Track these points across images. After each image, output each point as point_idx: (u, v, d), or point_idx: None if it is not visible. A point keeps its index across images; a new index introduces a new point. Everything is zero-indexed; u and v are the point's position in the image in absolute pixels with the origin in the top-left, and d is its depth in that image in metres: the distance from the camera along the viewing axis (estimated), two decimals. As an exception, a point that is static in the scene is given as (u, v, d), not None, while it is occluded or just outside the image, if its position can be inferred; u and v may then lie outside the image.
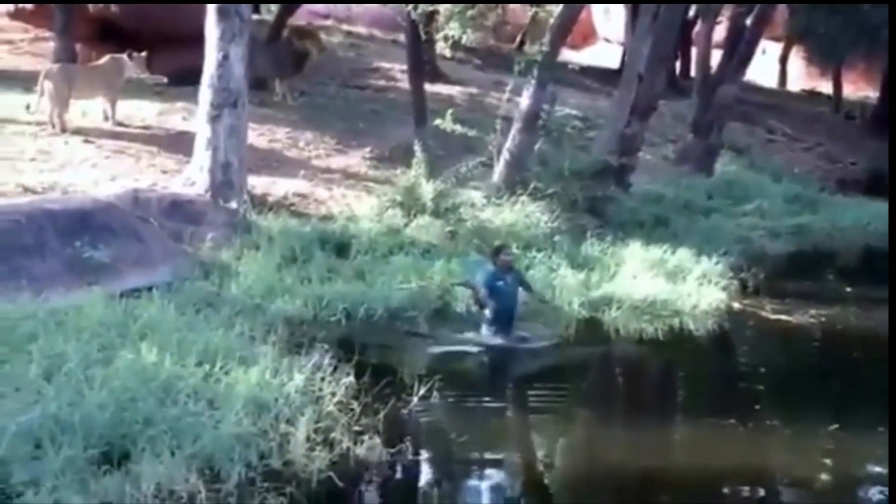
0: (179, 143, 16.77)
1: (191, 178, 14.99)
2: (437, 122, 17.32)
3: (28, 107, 17.19)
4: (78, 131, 17.15)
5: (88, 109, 18.10)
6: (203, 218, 14.01)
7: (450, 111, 17.56)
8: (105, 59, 18.24)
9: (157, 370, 8.34)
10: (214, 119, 14.86)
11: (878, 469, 8.71)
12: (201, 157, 14.94)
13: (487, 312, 11.61)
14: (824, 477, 8.55)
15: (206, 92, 15.00)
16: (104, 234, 12.19)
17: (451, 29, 16.93)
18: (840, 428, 9.34)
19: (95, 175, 15.47)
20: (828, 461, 8.83)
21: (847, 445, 9.08)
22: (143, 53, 18.27)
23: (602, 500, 8.21)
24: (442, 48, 17.76)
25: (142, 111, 18.81)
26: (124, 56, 18.08)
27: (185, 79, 18.30)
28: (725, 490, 8.34)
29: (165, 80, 20.02)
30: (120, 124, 17.86)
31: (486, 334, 11.55)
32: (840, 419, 9.52)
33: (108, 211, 12.89)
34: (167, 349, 8.72)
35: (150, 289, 11.11)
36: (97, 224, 12.38)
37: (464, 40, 17.19)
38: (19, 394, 7.80)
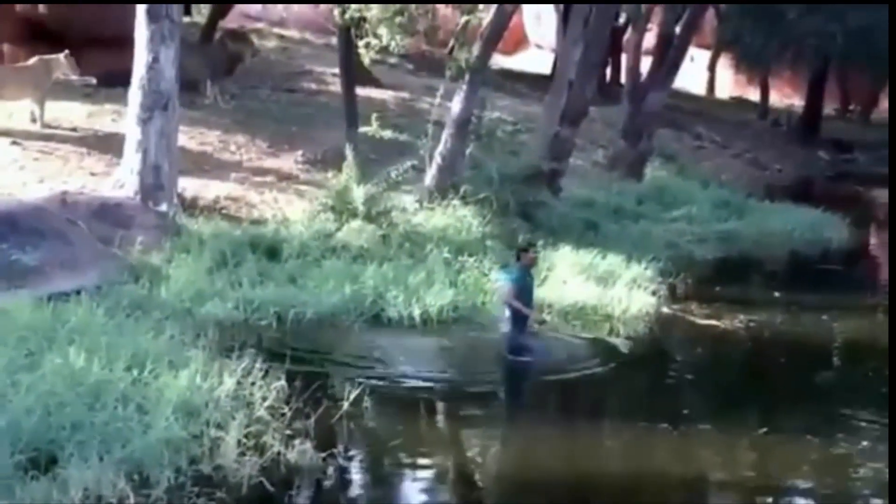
0: (108, 146, 16.61)
1: (120, 181, 14.85)
2: (365, 129, 17.30)
3: None
4: (5, 133, 16.94)
5: (15, 111, 17.87)
6: (133, 221, 13.88)
7: (375, 115, 17.56)
8: (33, 59, 18.02)
9: (86, 374, 8.27)
10: (144, 121, 14.74)
11: (803, 475, 8.87)
12: (131, 159, 14.81)
13: (509, 312, 11.53)
14: (752, 482, 8.67)
15: (136, 94, 14.86)
16: (32, 237, 12.08)
17: (379, 35, 16.86)
18: (768, 432, 9.48)
19: (23, 177, 15.30)
20: (756, 465, 8.96)
21: (774, 450, 9.21)
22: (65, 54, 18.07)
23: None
24: (366, 54, 17.61)
25: (70, 113, 18.59)
26: (56, 56, 17.88)
27: (114, 80, 18.10)
28: (652, 496, 8.41)
29: (94, 81, 19.78)
30: (48, 126, 17.64)
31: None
32: (768, 423, 9.66)
33: (35, 214, 12.77)
34: (96, 353, 8.64)
35: (78, 292, 11.01)
36: (25, 227, 12.27)
37: (391, 47, 17.14)
38: (-56, 398, 7.71)
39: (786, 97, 44.33)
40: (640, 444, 9.28)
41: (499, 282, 12.23)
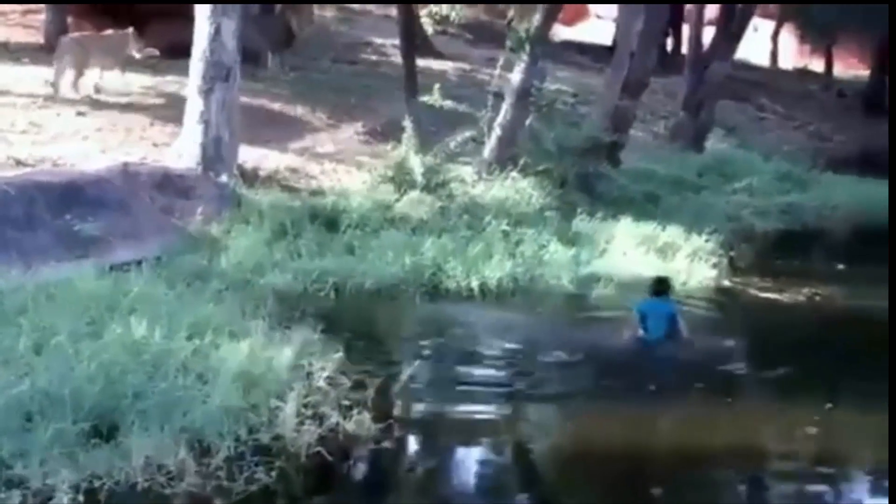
0: (170, 117, 16.72)
1: (181, 152, 14.94)
2: (426, 97, 17.27)
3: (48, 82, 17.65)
4: (70, 103, 17.11)
5: (80, 82, 18.04)
6: (193, 192, 13.96)
7: (437, 86, 17.52)
8: (109, 31, 18.43)
9: (147, 344, 8.34)
10: (206, 92, 14.79)
11: (866, 451, 8.76)
12: (192, 130, 14.88)
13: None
14: (814, 457, 8.59)
15: (197, 65, 14.91)
16: (94, 208, 12.17)
17: (439, 5, 16.82)
18: (834, 407, 9.37)
19: (86, 148, 15.42)
20: (819, 440, 8.85)
21: (840, 424, 9.11)
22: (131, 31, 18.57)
23: (578, 479, 8.26)
24: (428, 24, 17.56)
25: (134, 84, 18.74)
26: (128, 31, 18.63)
27: (176, 52, 18.21)
28: (716, 470, 8.35)
29: (157, 53, 19.92)
30: (112, 95, 17.87)
31: None
32: (832, 399, 9.55)
33: (98, 184, 12.86)
34: (157, 323, 8.70)
35: (139, 262, 11.07)
36: (87, 197, 12.36)
37: (452, 17, 17.10)
38: (8, 367, 7.81)
39: (851, 68, 43.69)
40: (702, 418, 9.20)
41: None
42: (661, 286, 11.28)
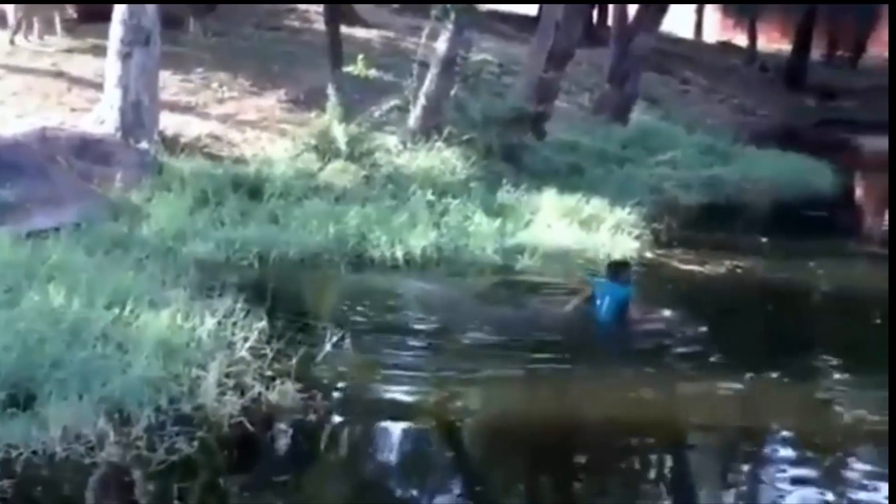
0: (89, 82, 16.43)
1: (101, 117, 14.72)
2: (350, 67, 17.13)
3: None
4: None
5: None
6: (113, 158, 13.76)
7: (360, 56, 17.41)
8: None
9: (65, 312, 8.20)
10: (125, 57, 14.58)
11: (785, 421, 8.84)
12: (111, 95, 14.67)
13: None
14: (734, 428, 8.66)
15: (116, 29, 14.69)
16: (11, 173, 11.98)
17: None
18: (752, 378, 9.44)
19: (2, 112, 15.15)
20: (738, 412, 8.92)
21: (756, 396, 9.19)
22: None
23: (503, 449, 8.24)
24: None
25: (50, 47, 18.39)
26: None
27: (95, 15, 17.91)
28: (639, 440, 8.38)
29: (75, 16, 19.56)
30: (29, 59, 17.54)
31: None
32: (750, 369, 9.62)
33: (14, 149, 12.65)
34: (75, 291, 8.57)
35: (57, 229, 10.92)
36: (4, 162, 12.18)
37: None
38: (-79, 334, 7.63)
39: (773, 42, 44.19)
40: (621, 388, 9.22)
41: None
42: (619, 269, 11.21)
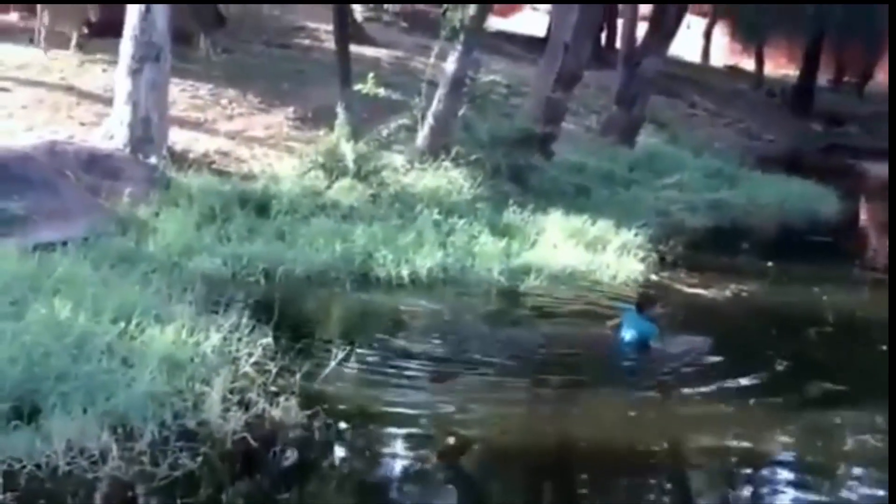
0: (99, 97, 16.48)
1: (110, 132, 14.75)
2: (359, 86, 17.19)
3: None
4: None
5: (4, 59, 17.76)
6: (121, 173, 13.79)
7: (371, 75, 17.41)
8: None
9: (71, 326, 8.20)
10: (135, 72, 14.62)
11: (790, 445, 8.84)
12: (121, 110, 14.70)
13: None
14: (738, 452, 8.66)
15: (127, 44, 14.73)
16: (19, 186, 11.99)
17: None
18: (755, 403, 9.43)
19: (11, 125, 15.18)
20: (742, 435, 8.91)
21: (761, 420, 9.18)
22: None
23: (504, 468, 8.25)
24: (361, 11, 17.44)
25: (61, 62, 18.45)
26: None
27: (106, 31, 17.97)
28: (633, 461, 8.37)
29: (86, 31, 19.63)
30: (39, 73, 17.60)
31: None
32: (754, 394, 9.61)
33: (23, 162, 12.66)
34: (81, 305, 8.57)
35: (64, 243, 10.92)
36: (12, 175, 12.17)
37: (385, 4, 17.01)
38: (-72, 345, 7.64)
39: (780, 67, 44.27)
40: (622, 411, 9.21)
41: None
42: (645, 303, 11.20)
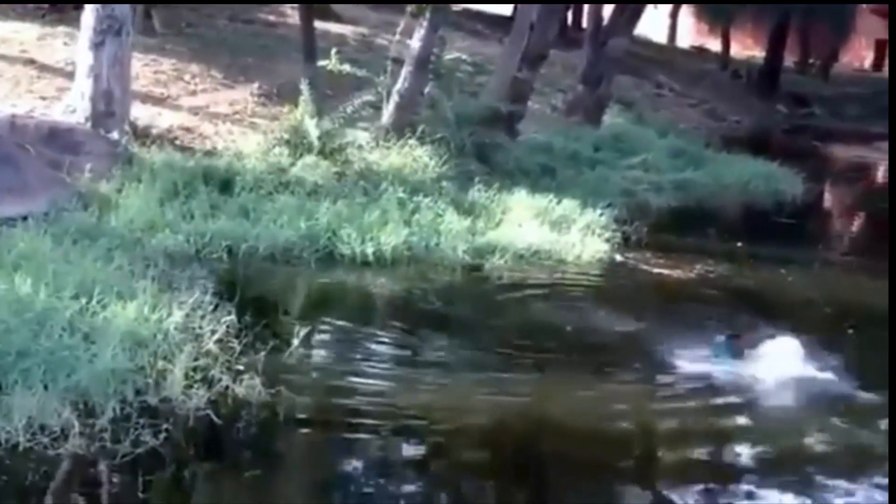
0: (60, 70, 16.30)
1: (71, 106, 14.58)
2: (324, 62, 17.06)
3: None
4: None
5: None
6: (83, 147, 13.64)
7: (334, 51, 17.30)
8: None
9: (32, 301, 8.12)
10: (97, 46, 14.44)
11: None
12: (82, 84, 14.53)
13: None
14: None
15: (89, 17, 14.55)
16: (-22, 160, 11.85)
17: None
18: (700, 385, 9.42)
19: (-30, 99, 14.99)
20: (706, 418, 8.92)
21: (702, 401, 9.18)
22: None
23: (466, 445, 8.25)
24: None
25: (21, 35, 18.23)
26: None
27: (67, 3, 17.78)
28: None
29: (47, 3, 19.41)
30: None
31: None
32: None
33: (-17, 136, 12.51)
34: (42, 280, 8.49)
35: (25, 218, 10.83)
36: (-29, 149, 12.03)
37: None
38: None
39: (747, 49, 44.42)
40: (561, 391, 9.18)
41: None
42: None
